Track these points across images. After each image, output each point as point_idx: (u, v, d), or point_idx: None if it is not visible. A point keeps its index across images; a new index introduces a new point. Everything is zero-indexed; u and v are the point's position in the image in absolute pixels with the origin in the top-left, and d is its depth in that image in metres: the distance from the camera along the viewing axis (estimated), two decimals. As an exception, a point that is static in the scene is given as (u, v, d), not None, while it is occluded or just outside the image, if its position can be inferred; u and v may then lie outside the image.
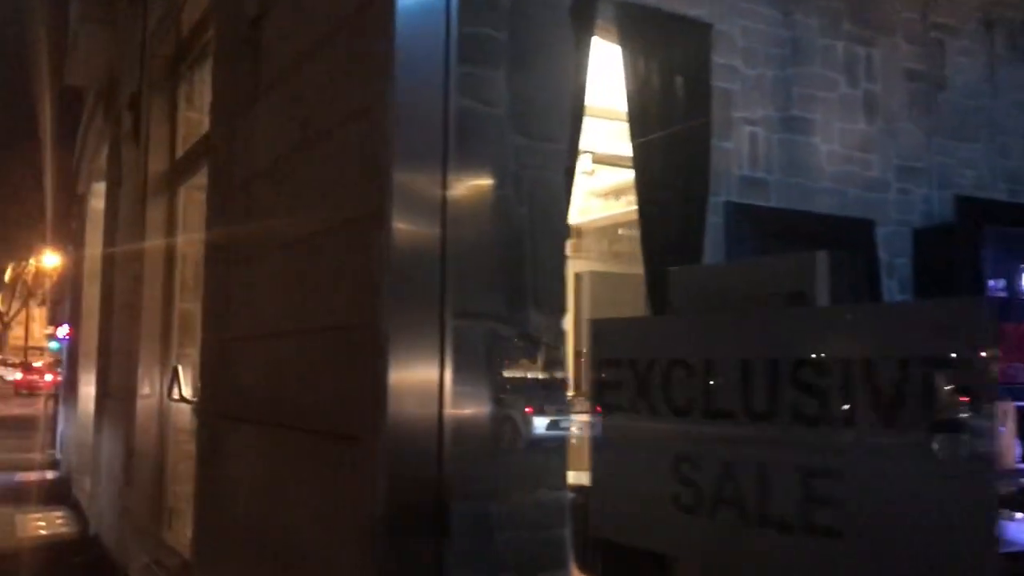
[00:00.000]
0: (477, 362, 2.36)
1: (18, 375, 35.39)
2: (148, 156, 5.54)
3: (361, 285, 2.40)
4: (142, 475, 5.34)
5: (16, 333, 48.88)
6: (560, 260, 2.53)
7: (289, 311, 2.95)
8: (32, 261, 39.28)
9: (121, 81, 6.87)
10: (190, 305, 5.43)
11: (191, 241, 5.39)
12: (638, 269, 4.27)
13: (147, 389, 5.38)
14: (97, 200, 8.91)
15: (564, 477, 2.46)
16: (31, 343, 49.41)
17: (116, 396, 6.35)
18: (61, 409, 12.38)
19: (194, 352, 5.44)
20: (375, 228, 2.32)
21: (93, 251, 9.01)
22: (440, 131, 2.32)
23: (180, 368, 4.76)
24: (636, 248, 5.04)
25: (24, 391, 31.72)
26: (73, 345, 10.94)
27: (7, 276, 42.97)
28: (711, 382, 1.63)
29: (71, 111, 12.48)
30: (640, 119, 4.09)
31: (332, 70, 2.77)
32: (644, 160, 4.15)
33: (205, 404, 3.71)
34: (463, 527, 2.27)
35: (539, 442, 2.42)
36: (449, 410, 2.26)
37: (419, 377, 2.24)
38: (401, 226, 2.25)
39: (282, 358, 2.98)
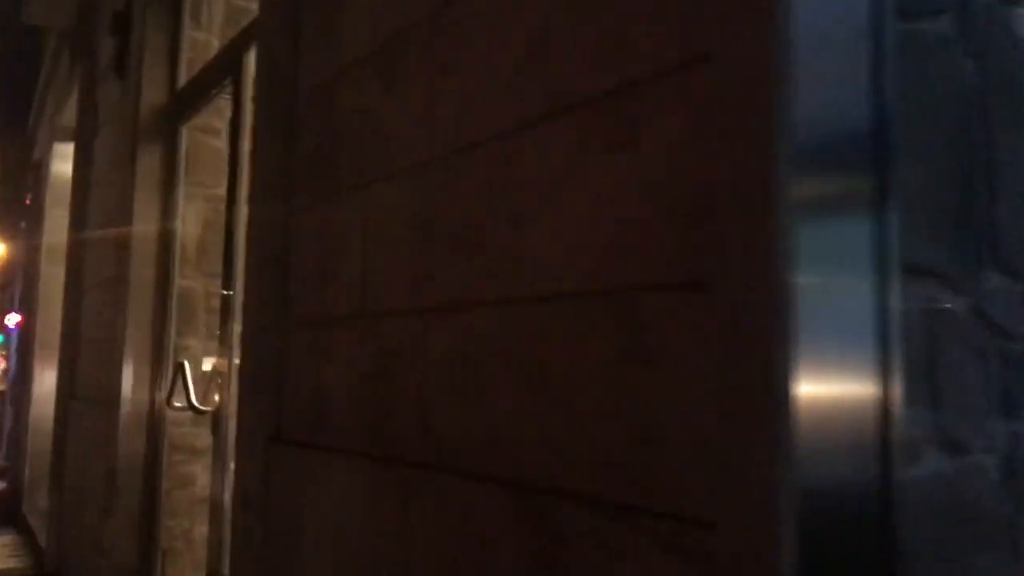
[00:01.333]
0: (918, 359, 1.17)
1: None
2: (140, 90, 4.25)
3: (667, 208, 1.20)
4: (127, 503, 4.06)
5: (-43, 324, 46.39)
6: (1032, 171, 1.36)
7: (440, 270, 1.74)
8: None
9: (98, 6, 5.54)
10: (192, 282, 4.16)
11: (196, 196, 4.12)
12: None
13: (134, 391, 4.10)
14: (61, 163, 7.51)
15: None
16: (-27, 335, 47.00)
17: (88, 398, 5.03)
18: (9, 409, 10.88)
19: (196, 344, 4.18)
20: (708, 83, 1.14)
21: (55, 224, 7.62)
22: None
23: (187, 365, 3.51)
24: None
25: None
26: (26, 336, 9.50)
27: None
28: None
29: (19, 75, 10.96)
30: None
31: None
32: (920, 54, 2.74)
33: (251, 422, 2.47)
34: None
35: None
36: (900, 461, 1.08)
37: (843, 395, 1.06)
38: (805, 85, 1.05)
39: (418, 350, 1.76)
